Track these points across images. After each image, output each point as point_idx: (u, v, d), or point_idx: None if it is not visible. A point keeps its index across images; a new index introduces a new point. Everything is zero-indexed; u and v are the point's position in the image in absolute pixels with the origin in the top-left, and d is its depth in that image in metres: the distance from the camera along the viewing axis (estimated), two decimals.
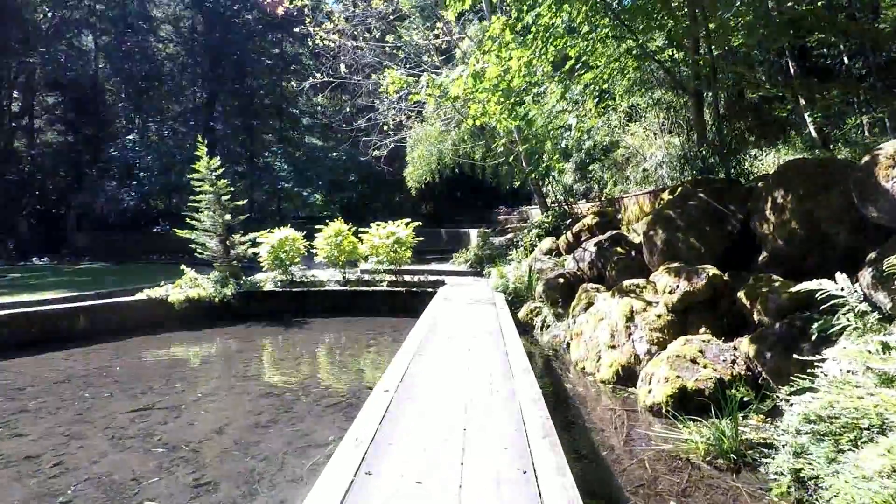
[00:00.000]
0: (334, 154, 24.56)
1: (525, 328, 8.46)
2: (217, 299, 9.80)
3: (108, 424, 4.76)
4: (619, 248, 8.73)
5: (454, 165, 14.13)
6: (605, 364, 5.55)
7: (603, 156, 14.80)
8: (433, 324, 6.27)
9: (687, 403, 4.42)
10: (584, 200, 13.29)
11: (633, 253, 8.16)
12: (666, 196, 8.72)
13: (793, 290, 4.00)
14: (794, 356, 3.77)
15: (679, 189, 8.13)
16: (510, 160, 11.29)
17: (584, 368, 5.97)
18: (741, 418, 4.07)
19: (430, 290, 10.26)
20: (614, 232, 9.29)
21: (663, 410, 4.47)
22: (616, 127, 13.33)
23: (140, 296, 9.39)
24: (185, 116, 26.04)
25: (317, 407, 5.13)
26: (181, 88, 26.96)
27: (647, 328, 5.31)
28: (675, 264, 6.13)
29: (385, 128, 13.42)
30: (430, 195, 22.72)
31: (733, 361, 4.65)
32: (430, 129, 13.26)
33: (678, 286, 5.30)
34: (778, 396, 4.14)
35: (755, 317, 4.86)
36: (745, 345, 4.63)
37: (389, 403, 3.40)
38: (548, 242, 11.17)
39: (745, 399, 4.14)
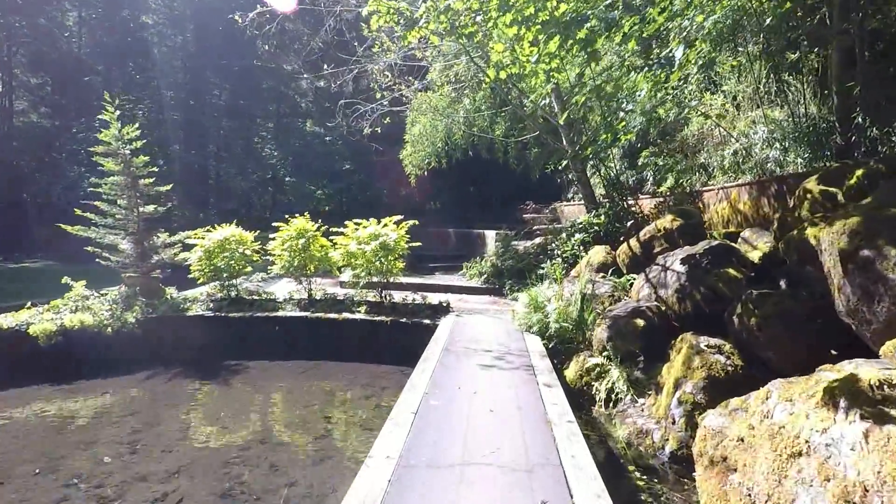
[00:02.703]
0: (328, 138, 21.25)
1: (578, 398, 5.10)
2: (110, 330, 6.58)
3: None
4: (731, 271, 5.41)
5: (467, 145, 10.72)
6: None
7: (660, 138, 11.34)
8: (407, 461, 2.90)
9: None
10: (639, 196, 9.84)
11: (779, 282, 4.75)
12: (814, 186, 5.34)
13: None
14: None
15: (859, 171, 4.72)
16: (562, 118, 7.83)
17: None
18: None
19: (426, 321, 6.93)
20: (716, 243, 5.91)
21: None
22: (689, 97, 9.86)
23: None
24: (160, 94, 22.96)
25: None
26: (160, 62, 23.92)
27: None
28: None
29: (378, 95, 10.11)
30: (437, 186, 19.36)
31: None
32: (435, 98, 9.93)
33: None
34: None
35: None
36: None
37: None
38: (600, 253, 7.77)
39: None
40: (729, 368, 4.10)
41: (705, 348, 4.29)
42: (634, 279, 6.92)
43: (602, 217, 8.22)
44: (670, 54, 4.45)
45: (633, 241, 7.40)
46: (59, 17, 26.74)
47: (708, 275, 5.45)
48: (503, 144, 10.56)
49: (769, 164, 7.86)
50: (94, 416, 5.14)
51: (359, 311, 7.36)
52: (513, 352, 5.15)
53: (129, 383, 6.06)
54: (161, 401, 5.60)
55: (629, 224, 8.02)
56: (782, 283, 4.41)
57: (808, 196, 5.33)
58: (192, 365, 6.65)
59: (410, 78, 10.45)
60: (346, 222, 7.84)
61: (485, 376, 4.29)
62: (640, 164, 11.33)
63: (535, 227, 11.00)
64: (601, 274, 7.35)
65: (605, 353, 5.25)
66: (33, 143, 24.40)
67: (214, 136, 25.11)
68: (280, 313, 7.39)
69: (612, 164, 9.88)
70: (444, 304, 7.61)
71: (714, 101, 9.97)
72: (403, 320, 6.98)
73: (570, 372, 5.43)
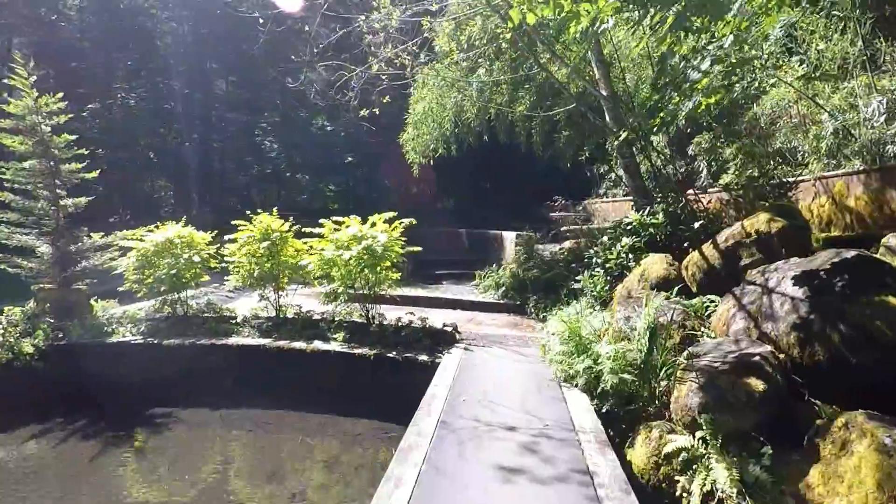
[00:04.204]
0: (329, 127, 19.49)
1: (653, 500, 3.17)
2: None
3: None
4: (892, 299, 3.49)
5: (482, 128, 8.74)
6: None
7: (717, 121, 9.27)
8: None
9: None
10: (704, 191, 7.84)
11: None
12: None
13: None
14: None
15: None
16: (636, 49, 5.89)
17: None
18: None
19: (423, 357, 5.04)
20: (852, 254, 4.01)
21: None
22: (765, 64, 7.81)
23: None
24: (153, 82, 21.46)
25: None
26: (160, 49, 22.47)
27: None
28: None
29: (375, 67, 8.25)
30: (449, 181, 17.48)
31: None
32: (442, 69, 8.01)
33: None
34: None
35: None
36: None
37: None
38: (659, 264, 5.80)
39: None
40: None
41: None
42: (713, 302, 4.98)
43: (660, 216, 6.24)
44: None
45: (707, 249, 5.43)
46: (59, 6, 25.54)
47: (850, 304, 3.53)
48: (526, 126, 8.60)
49: (888, 146, 5.83)
50: None
51: (335, 339, 5.52)
52: (551, 431, 3.22)
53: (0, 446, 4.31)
54: (30, 484, 3.83)
55: (697, 226, 6.03)
56: None
57: None
58: (104, 415, 4.89)
59: (414, 46, 8.57)
60: (322, 220, 6.01)
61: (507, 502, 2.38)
62: (691, 152, 9.31)
63: (563, 229, 9.05)
64: (663, 293, 5.38)
65: (696, 432, 3.31)
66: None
67: (216, 127, 23.59)
68: (232, 340, 5.59)
69: (665, 151, 7.89)
70: (450, 331, 5.72)
71: (794, 69, 7.91)
72: (392, 355, 5.10)
73: (638, 455, 3.49)
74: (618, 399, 3.88)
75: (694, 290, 5.44)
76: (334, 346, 5.36)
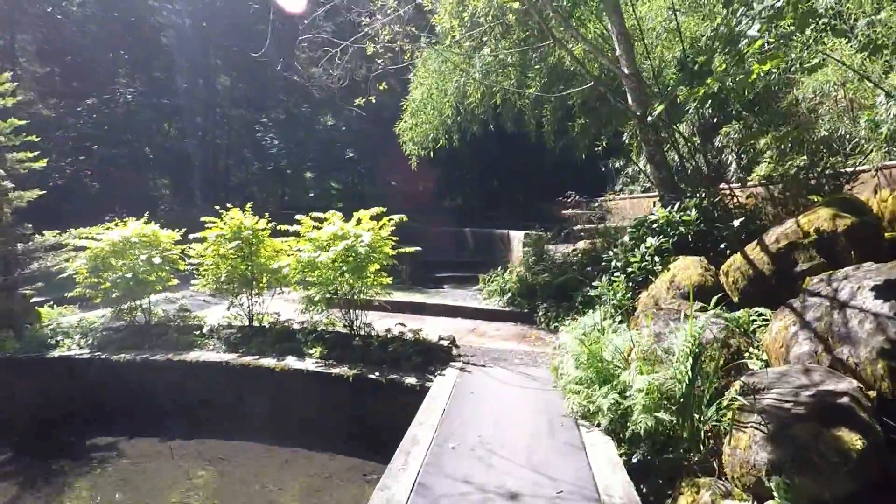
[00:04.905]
0: (330, 122, 18.75)
1: None
2: None
3: None
4: None
5: (487, 115, 7.84)
6: None
7: (746, 109, 8.34)
8: None
9: None
10: (740, 184, 6.97)
11: None
12: None
13: None
14: None
15: None
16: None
17: None
18: None
19: (411, 379, 4.22)
20: None
21: None
22: (809, 42, 6.88)
23: None
24: (155, 77, 20.86)
25: None
26: (164, 44, 21.87)
27: None
28: None
29: (370, 50, 7.45)
30: (456, 178, 16.67)
31: None
32: (443, 49, 7.17)
33: None
34: None
35: None
36: None
37: None
38: (692, 269, 4.92)
39: None
40: None
41: None
42: (762, 316, 4.11)
43: (692, 212, 5.35)
44: None
45: (753, 252, 4.55)
46: (64, 3, 25.07)
47: None
48: (536, 113, 7.70)
49: None
50: None
51: (311, 355, 4.72)
52: (568, 501, 2.38)
53: None
54: None
55: (737, 224, 5.15)
56: None
57: None
58: (35, 445, 4.15)
59: (413, 28, 7.76)
60: (298, 216, 5.21)
61: None
62: (718, 143, 8.40)
63: (577, 227, 8.18)
64: (698, 304, 4.50)
65: (765, 501, 2.45)
66: (38, 134, 22.77)
67: (219, 123, 22.95)
68: (192, 355, 4.81)
69: (693, 139, 7.00)
70: (445, 345, 4.89)
71: (841, 47, 6.96)
72: (375, 376, 4.29)
73: None
74: (651, 443, 3.03)
75: (736, 300, 4.56)
76: (309, 364, 4.56)
